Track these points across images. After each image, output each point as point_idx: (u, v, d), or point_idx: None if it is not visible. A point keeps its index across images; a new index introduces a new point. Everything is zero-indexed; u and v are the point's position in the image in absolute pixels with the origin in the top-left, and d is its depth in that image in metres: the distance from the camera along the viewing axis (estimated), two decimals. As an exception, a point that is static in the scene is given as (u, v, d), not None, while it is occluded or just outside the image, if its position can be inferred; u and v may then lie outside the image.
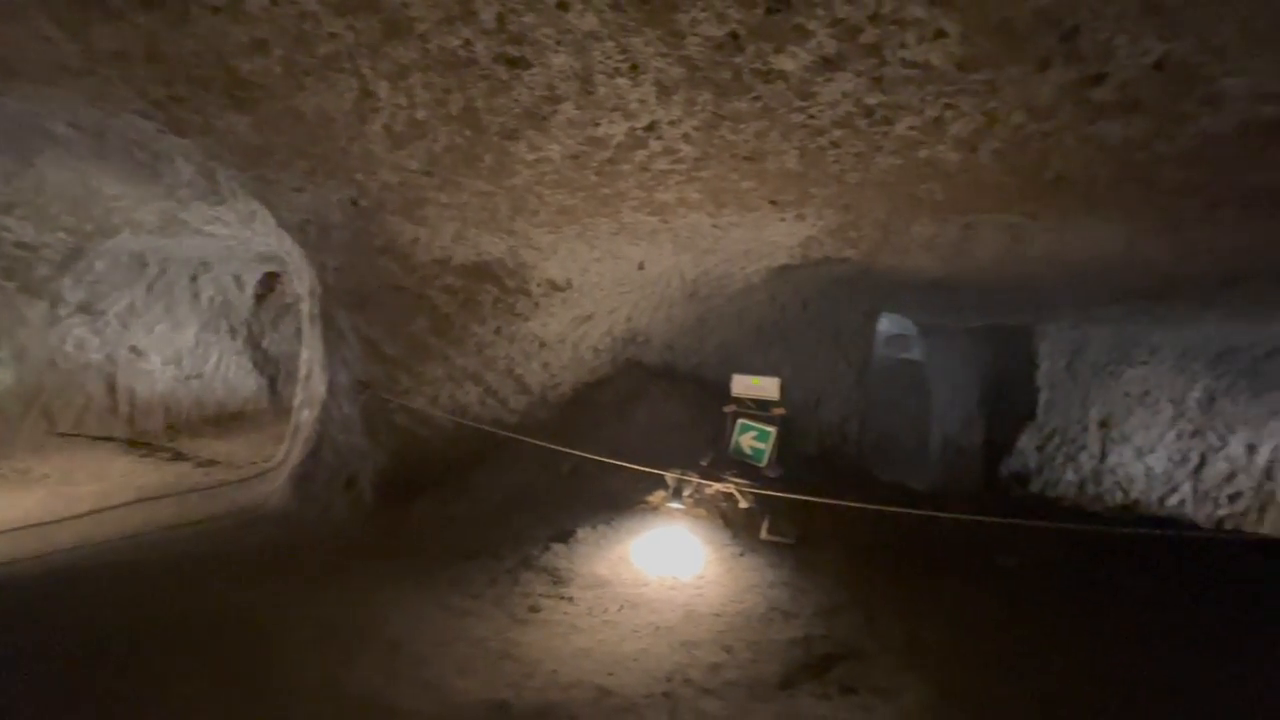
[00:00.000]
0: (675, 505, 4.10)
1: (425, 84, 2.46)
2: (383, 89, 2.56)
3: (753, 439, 4.51)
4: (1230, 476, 9.05)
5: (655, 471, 4.15)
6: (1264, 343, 8.54)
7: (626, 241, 4.58)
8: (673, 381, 5.72)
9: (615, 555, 3.83)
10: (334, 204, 4.13)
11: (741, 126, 2.58)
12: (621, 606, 3.31)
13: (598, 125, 2.67)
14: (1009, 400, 9.50)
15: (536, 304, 5.07)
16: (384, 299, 4.70)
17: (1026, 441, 9.30)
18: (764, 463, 4.42)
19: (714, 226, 4.19)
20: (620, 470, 4.19)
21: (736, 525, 4.11)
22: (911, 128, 2.50)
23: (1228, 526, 8.97)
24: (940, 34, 1.86)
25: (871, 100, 2.30)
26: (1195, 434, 9.04)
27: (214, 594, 3.33)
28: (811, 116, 2.45)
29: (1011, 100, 2.21)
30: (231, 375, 8.25)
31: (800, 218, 3.94)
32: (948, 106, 2.30)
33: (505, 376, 5.26)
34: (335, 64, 2.39)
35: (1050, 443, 9.28)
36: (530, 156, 3.08)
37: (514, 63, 2.24)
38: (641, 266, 5.11)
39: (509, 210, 3.98)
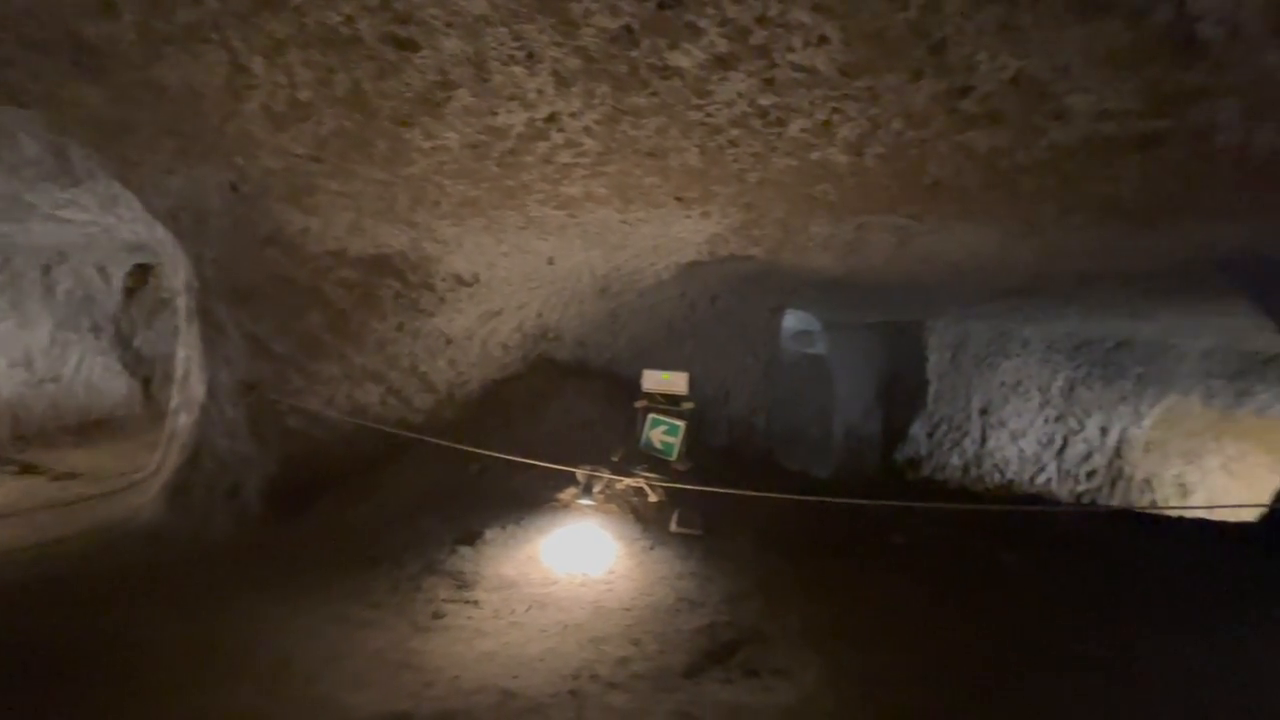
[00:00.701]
0: (586, 502, 4.08)
1: (305, 61, 2.30)
2: (258, 64, 2.37)
3: (663, 433, 4.57)
4: (1087, 456, 10.14)
5: (566, 469, 4.12)
6: (1113, 336, 9.62)
7: (535, 236, 4.51)
8: (585, 378, 5.69)
9: (524, 555, 3.77)
10: (211, 189, 3.79)
11: (642, 122, 2.59)
12: (529, 607, 3.25)
13: (496, 114, 2.60)
14: (903, 391, 10.16)
15: (442, 299, 4.89)
16: (271, 293, 4.37)
17: (918, 429, 9.99)
18: (674, 456, 4.48)
19: (622, 222, 4.19)
20: (531, 469, 4.12)
21: (647, 519, 4.15)
22: (803, 130, 2.60)
23: (1085, 500, 10.05)
24: (824, 40, 1.94)
25: (765, 101, 2.37)
26: (1059, 419, 10.05)
27: (67, 620, 2.97)
28: (709, 115, 2.50)
29: (892, 107, 2.35)
30: (96, 378, 7.41)
31: (706, 215, 4.02)
32: (835, 111, 2.41)
33: (409, 375, 5.04)
34: (199, 33, 2.18)
35: (939, 429, 10.02)
36: (427, 144, 2.95)
37: (402, 44, 2.13)
38: (551, 262, 5.04)
39: (408, 200, 3.81)
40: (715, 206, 3.86)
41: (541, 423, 5.27)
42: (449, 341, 5.15)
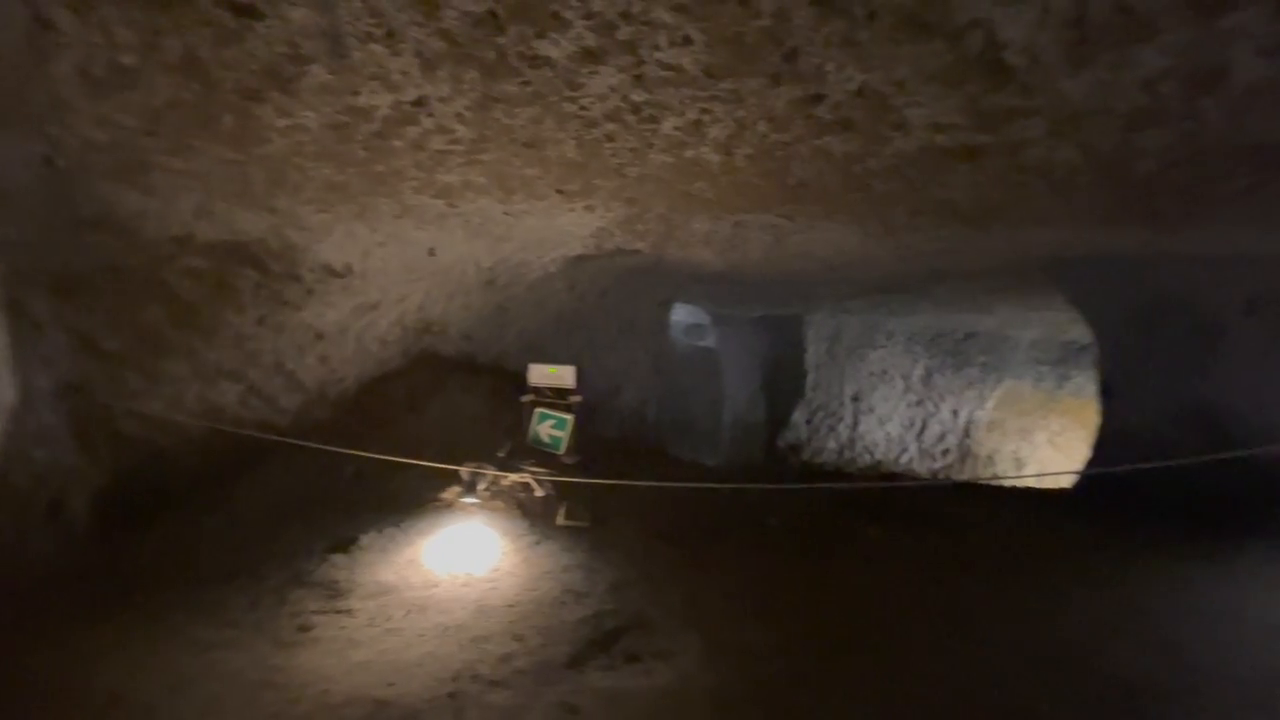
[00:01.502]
0: (470, 500, 3.98)
1: (125, 20, 2.04)
2: (64, 20, 2.08)
3: (551, 428, 4.54)
4: (942, 436, 11.27)
5: (449, 467, 3.99)
6: (963, 328, 10.75)
7: (413, 225, 4.31)
8: (472, 373, 5.54)
9: (404, 559, 3.61)
10: (16, 162, 3.27)
11: (516, 111, 2.55)
12: (408, 612, 3.13)
13: (358, 94, 2.45)
14: (785, 381, 10.78)
15: (310, 291, 4.55)
16: (101, 283, 3.86)
17: (798, 416, 10.64)
18: (562, 450, 4.47)
19: (505, 214, 4.11)
20: (412, 469, 3.95)
21: (534, 514, 4.12)
22: (676, 128, 2.67)
23: (941, 475, 11.17)
24: (688, 40, 2.01)
25: (637, 97, 2.41)
26: (919, 403, 11.09)
27: None
28: (584, 108, 2.50)
29: (756, 110, 2.47)
30: None
31: (589, 209, 4.03)
32: (704, 111, 2.50)
33: (273, 373, 4.65)
34: (-15, -21, 1.88)
35: (816, 416, 10.73)
36: (282, 123, 2.73)
37: (242, 10, 1.95)
38: (433, 253, 4.84)
39: (266, 183, 3.50)
40: (598, 200, 3.87)
41: (425, 420, 5.06)
42: (319, 336, 4.80)
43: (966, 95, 2.23)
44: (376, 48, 2.12)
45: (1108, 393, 6.73)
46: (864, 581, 3.75)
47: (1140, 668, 2.87)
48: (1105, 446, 6.78)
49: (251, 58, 2.21)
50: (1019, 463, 12.06)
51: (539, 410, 4.59)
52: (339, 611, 3.12)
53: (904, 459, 11.20)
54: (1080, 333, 10.33)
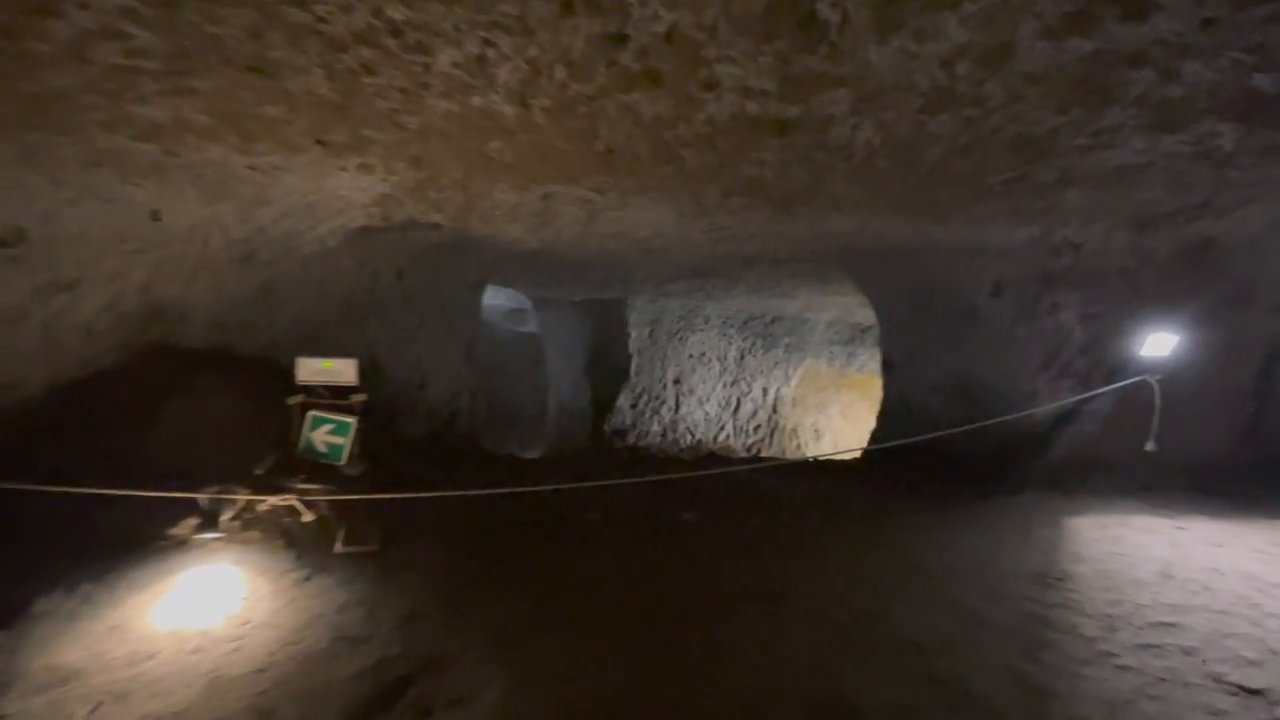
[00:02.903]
0: (210, 535, 3.12)
1: None
2: None
3: (328, 433, 3.77)
4: (754, 413, 12.01)
5: (177, 495, 3.09)
6: (770, 312, 11.49)
7: (117, 178, 3.25)
8: (226, 369, 4.46)
9: (103, 627, 2.69)
10: None
11: (220, 13, 1.86)
12: (99, 704, 2.29)
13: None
14: (609, 365, 10.66)
15: (-51, 264, 3.26)
16: None
17: (623, 401, 10.60)
18: (343, 460, 3.74)
19: (251, 169, 3.25)
20: (130, 500, 2.98)
21: (305, 543, 3.37)
22: (455, 64, 2.17)
23: (754, 451, 11.92)
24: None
25: (395, 14, 1.86)
26: (734, 383, 11.67)
27: None
28: (322, 19, 1.89)
29: (550, 49, 2.06)
30: None
31: (366, 169, 3.33)
32: (487, 43, 2.03)
33: (-110, 380, 3.27)
34: None
35: (641, 400, 10.78)
36: None
37: None
38: (156, 217, 3.76)
39: None
40: (376, 159, 3.20)
41: (155, 433, 3.94)
42: (-27, 327, 3.49)
43: (777, 54, 2.03)
44: None
45: (888, 367, 7.50)
46: (682, 571, 3.61)
47: (925, 624, 3.05)
48: (886, 414, 7.57)
49: None
50: (818, 433, 13.34)
51: (313, 414, 3.79)
52: (-19, 720, 2.19)
53: (722, 436, 11.76)
54: (865, 316, 11.56)
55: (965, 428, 4.70)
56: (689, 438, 11.40)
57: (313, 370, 3.79)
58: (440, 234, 4.82)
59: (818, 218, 4.25)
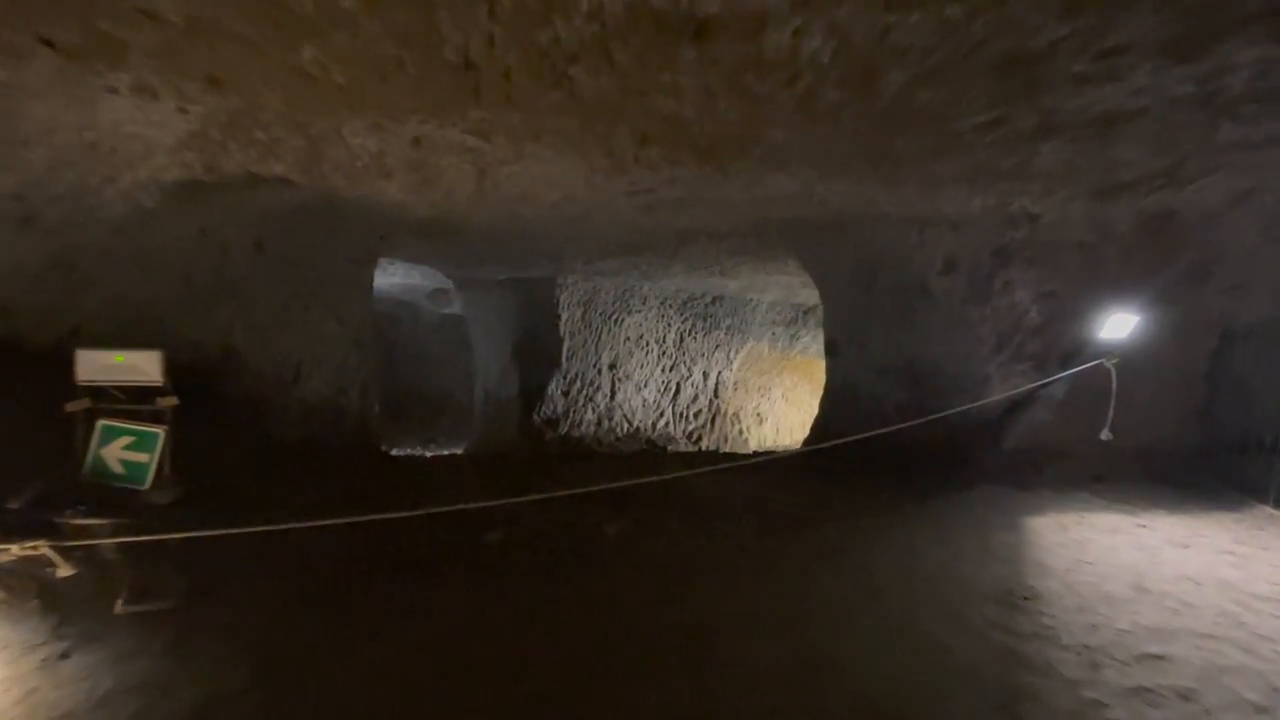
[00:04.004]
0: (-91, 603, 2.21)
1: None
2: None
3: (126, 449, 2.88)
4: (695, 398, 11.46)
5: None
6: (712, 292, 10.90)
7: None
8: (5, 368, 3.46)
9: None
10: None
11: None
12: None
13: None
14: (539, 350, 9.85)
15: None
16: None
17: (554, 388, 9.83)
18: (147, 483, 2.86)
19: (-32, 85, 2.30)
20: None
21: (72, 604, 2.49)
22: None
23: (694, 438, 11.40)
24: None
25: None
26: (673, 367, 11.07)
27: None
28: None
29: None
30: None
31: (146, 92, 2.43)
32: None
33: None
34: None
35: (574, 387, 10.03)
36: None
37: None
38: None
39: None
40: (155, 76, 2.32)
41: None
42: None
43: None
44: None
45: (833, 349, 7.01)
46: (597, 607, 2.93)
47: (882, 669, 2.50)
48: (831, 399, 7.10)
49: None
50: (760, 417, 12.94)
51: (103, 423, 2.88)
52: None
53: (660, 423, 11.16)
54: (809, 296, 11.13)
55: (916, 421, 4.20)
56: (626, 426, 10.75)
57: (99, 366, 2.87)
58: (299, 194, 3.91)
59: (755, 178, 3.58)
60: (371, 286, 5.54)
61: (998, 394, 5.02)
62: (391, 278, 9.98)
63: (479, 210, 4.60)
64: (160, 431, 2.90)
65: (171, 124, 2.76)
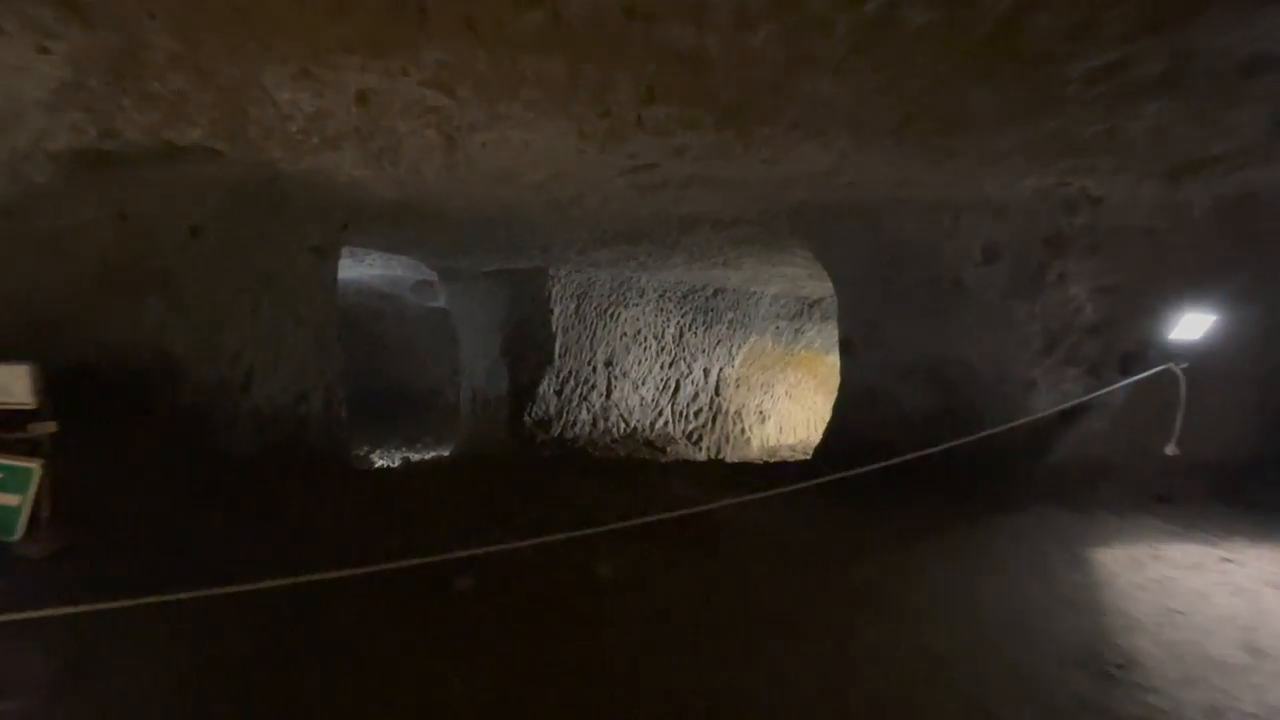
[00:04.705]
0: None
1: None
2: None
3: (-11, 489, 2.26)
4: (695, 396, 10.87)
5: None
6: (713, 284, 10.28)
7: None
8: None
9: None
10: None
11: None
12: None
13: None
14: (530, 347, 9.22)
15: None
16: None
17: (546, 387, 9.21)
18: (16, 533, 2.24)
19: None
20: None
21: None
22: None
23: (694, 438, 10.81)
24: None
25: None
26: (672, 364, 10.47)
27: None
28: None
29: None
30: None
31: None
32: None
33: None
34: None
35: (567, 386, 9.42)
36: None
37: None
38: None
39: None
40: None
41: None
42: None
43: None
44: None
45: (849, 349, 6.40)
46: (585, 683, 2.34)
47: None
48: (846, 404, 6.49)
49: None
50: (763, 415, 12.37)
51: (-43, 457, 2.25)
52: None
53: (659, 423, 10.57)
54: (814, 289, 10.53)
55: (968, 439, 3.61)
56: (623, 426, 10.14)
57: (-52, 385, 2.24)
58: (233, 170, 3.26)
59: (782, 148, 2.96)
60: (335, 279, 4.90)
61: (1044, 402, 4.44)
62: (369, 269, 9.33)
63: (454, 192, 3.97)
64: (34, 466, 2.28)
65: (35, 70, 2.12)
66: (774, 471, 5.75)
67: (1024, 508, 4.06)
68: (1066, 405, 4.29)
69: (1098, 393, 4.07)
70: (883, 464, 3.37)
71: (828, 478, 3.15)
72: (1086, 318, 4.26)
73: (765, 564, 3.46)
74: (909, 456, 3.47)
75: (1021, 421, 3.89)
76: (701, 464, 8.46)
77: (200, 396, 3.99)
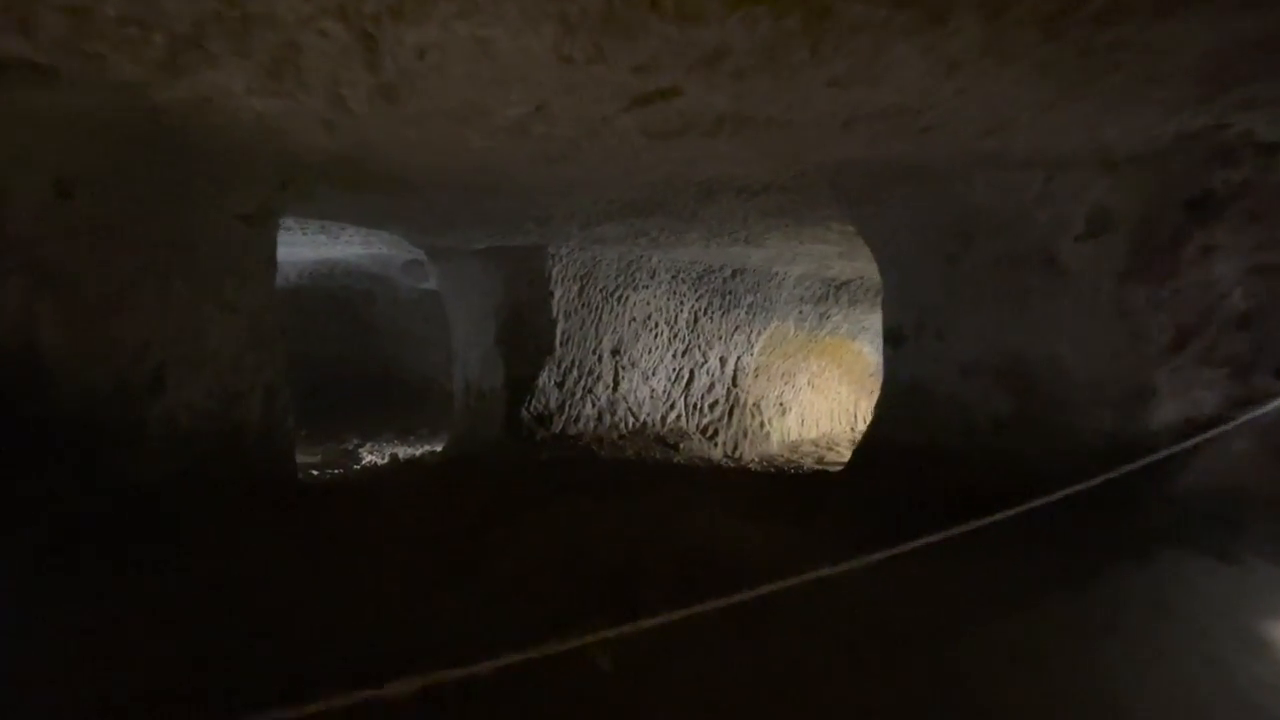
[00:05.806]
0: None
1: None
2: None
3: None
4: (710, 387, 9.94)
5: None
6: (730, 264, 9.30)
7: None
8: None
9: None
10: None
11: None
12: None
13: None
14: (528, 334, 8.32)
15: None
16: None
17: (547, 379, 8.32)
18: None
19: None
20: None
21: None
22: None
23: (709, 433, 9.91)
24: None
25: None
26: (685, 353, 9.53)
27: None
28: None
29: None
30: None
31: None
32: None
33: None
34: None
35: (569, 377, 8.52)
36: None
37: None
38: None
39: None
40: None
41: None
42: None
43: None
44: None
45: (897, 340, 5.42)
46: None
47: None
48: (892, 404, 5.53)
49: None
50: (783, 407, 11.42)
51: None
52: None
53: (671, 416, 9.67)
54: (843, 269, 9.52)
55: (1112, 474, 2.67)
56: (631, 420, 9.25)
57: None
58: (95, 102, 2.34)
59: (866, 52, 1.98)
60: (274, 255, 3.97)
61: (1167, 412, 3.47)
62: (348, 246, 8.43)
63: (408, 140, 3.02)
64: None
65: None
66: (815, 486, 4.82)
67: (1150, 554, 3.11)
68: (1201, 417, 3.33)
69: (1252, 410, 3.10)
70: (1005, 514, 2.43)
71: (962, 528, 2.21)
72: (1234, 306, 3.27)
73: (818, 648, 2.54)
74: (1030, 505, 2.53)
75: (1191, 442, 2.93)
76: (727, 473, 7.52)
77: (86, 405, 3.11)
